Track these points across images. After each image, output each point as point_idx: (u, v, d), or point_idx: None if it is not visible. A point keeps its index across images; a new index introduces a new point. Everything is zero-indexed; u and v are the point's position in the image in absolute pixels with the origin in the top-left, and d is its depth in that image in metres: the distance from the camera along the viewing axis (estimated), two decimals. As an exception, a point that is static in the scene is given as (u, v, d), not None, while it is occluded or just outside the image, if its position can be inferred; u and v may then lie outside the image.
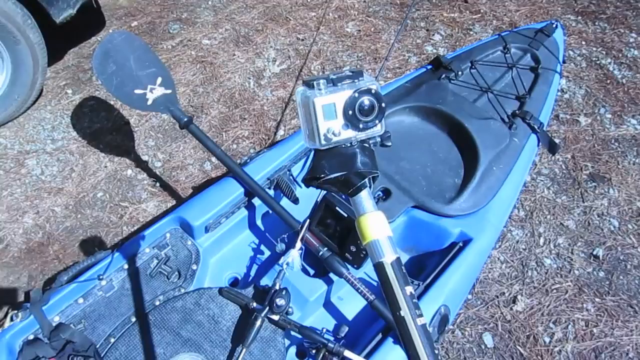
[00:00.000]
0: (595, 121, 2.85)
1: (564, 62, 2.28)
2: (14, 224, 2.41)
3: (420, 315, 0.72)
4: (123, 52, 1.95)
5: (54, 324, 1.48)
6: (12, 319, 1.48)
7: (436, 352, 0.72)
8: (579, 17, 3.50)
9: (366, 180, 0.80)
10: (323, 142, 0.78)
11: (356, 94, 0.76)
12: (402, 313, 0.73)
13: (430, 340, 0.72)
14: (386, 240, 0.76)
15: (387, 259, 0.75)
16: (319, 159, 0.81)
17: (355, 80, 0.79)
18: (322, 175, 0.81)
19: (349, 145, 0.80)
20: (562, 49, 2.26)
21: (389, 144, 0.88)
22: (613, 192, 2.52)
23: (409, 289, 0.74)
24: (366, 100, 0.77)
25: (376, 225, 0.77)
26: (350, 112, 0.77)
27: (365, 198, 0.80)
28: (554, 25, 2.30)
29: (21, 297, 2.18)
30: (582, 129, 2.81)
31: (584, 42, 3.32)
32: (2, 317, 2.07)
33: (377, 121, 0.79)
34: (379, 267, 0.76)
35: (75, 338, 1.46)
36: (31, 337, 1.44)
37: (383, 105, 0.79)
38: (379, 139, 0.84)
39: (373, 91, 0.77)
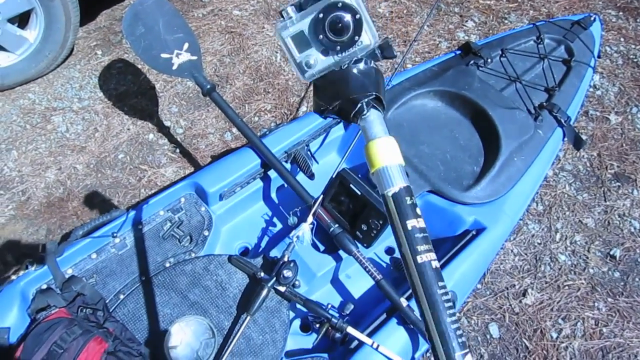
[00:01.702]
0: (626, 120, 2.77)
1: (599, 57, 2.21)
2: (37, 178, 2.47)
3: (429, 251, 0.67)
4: (153, 16, 1.96)
5: (66, 276, 1.51)
6: (26, 267, 1.52)
7: (445, 297, 0.66)
8: (621, 13, 3.38)
9: (362, 104, 0.74)
10: (306, 75, 0.74)
11: (320, 15, 0.69)
12: (406, 250, 0.68)
13: (436, 278, 0.66)
14: (396, 168, 0.70)
15: (395, 188, 0.69)
16: (316, 91, 0.79)
17: None
18: (322, 109, 0.78)
19: (338, 70, 0.74)
20: (598, 44, 2.19)
21: (393, 54, 0.79)
22: (637, 194, 2.46)
23: (420, 222, 0.69)
24: (334, 17, 0.69)
25: (384, 151, 0.71)
26: (321, 36, 0.70)
27: (372, 122, 0.75)
28: (592, 19, 2.23)
29: (38, 250, 2.24)
30: (611, 127, 2.74)
31: (622, 39, 3.21)
32: (19, 267, 2.13)
33: (357, 37, 0.71)
34: (386, 199, 0.70)
35: (86, 291, 1.50)
36: (44, 286, 1.48)
37: (358, 16, 0.70)
38: (378, 52, 0.76)
39: (340, 4, 0.69)
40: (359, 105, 0.74)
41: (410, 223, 0.68)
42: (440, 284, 0.66)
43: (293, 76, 2.95)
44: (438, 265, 0.67)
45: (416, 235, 0.68)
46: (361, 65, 0.76)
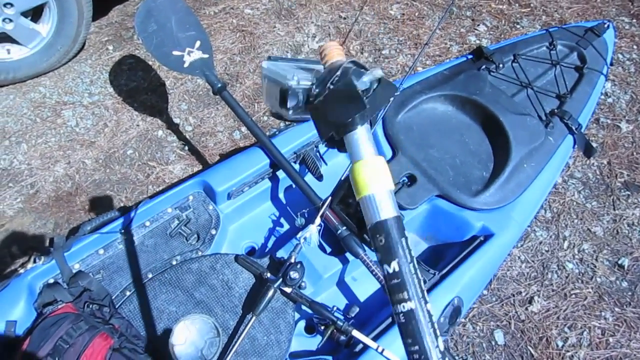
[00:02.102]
0: (637, 129, 2.75)
1: (611, 64, 2.19)
2: (46, 172, 2.48)
3: (409, 300, 0.63)
4: (165, 13, 1.96)
5: (73, 271, 1.52)
6: (34, 261, 1.52)
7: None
8: (634, 20, 3.36)
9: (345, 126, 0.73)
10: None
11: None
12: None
13: (420, 329, 0.62)
14: (385, 195, 0.66)
15: (382, 216, 0.65)
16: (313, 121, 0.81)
17: None
18: (323, 137, 0.79)
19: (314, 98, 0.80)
20: (611, 51, 2.17)
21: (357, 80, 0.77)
22: (647, 203, 2.45)
23: (407, 261, 0.64)
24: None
25: (371, 175, 0.68)
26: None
27: (357, 140, 0.72)
28: (606, 26, 2.21)
29: (46, 243, 2.25)
30: (622, 135, 2.72)
31: (635, 46, 3.19)
32: (26, 260, 2.14)
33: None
34: (372, 230, 0.66)
35: (92, 286, 1.50)
36: (51, 280, 1.49)
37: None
38: (352, 72, 0.77)
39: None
40: (340, 128, 0.74)
41: (394, 263, 0.64)
42: (428, 330, 0.62)
43: (303, 76, 2.95)
44: (424, 312, 0.63)
45: (401, 279, 0.64)
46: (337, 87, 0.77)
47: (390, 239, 0.66)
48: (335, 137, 0.75)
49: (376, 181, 0.67)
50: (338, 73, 0.77)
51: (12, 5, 2.49)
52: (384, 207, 0.66)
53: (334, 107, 0.76)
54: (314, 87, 0.81)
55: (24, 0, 2.53)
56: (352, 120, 0.73)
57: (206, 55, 1.91)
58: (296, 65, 0.92)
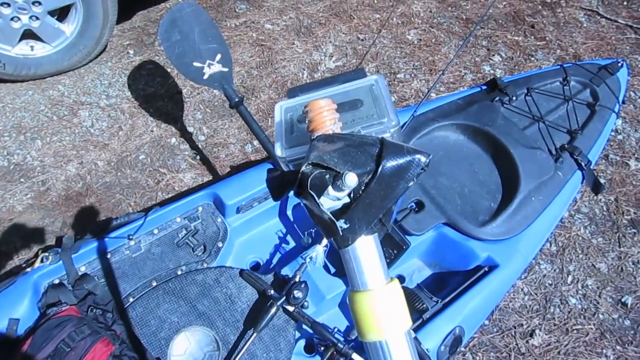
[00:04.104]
0: (646, 168, 2.76)
1: (623, 102, 2.21)
2: (58, 170, 2.51)
3: None
4: (189, 24, 2.00)
5: (79, 273, 1.53)
6: (42, 261, 1.54)
7: None
8: (648, 59, 3.38)
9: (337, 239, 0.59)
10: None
11: None
12: None
13: None
14: (401, 343, 0.52)
15: None
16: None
17: None
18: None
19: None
20: (623, 90, 2.19)
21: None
22: (652, 243, 2.45)
23: None
24: None
25: (382, 315, 0.52)
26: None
27: (354, 260, 0.56)
28: (620, 64, 2.23)
29: (52, 241, 2.27)
30: (630, 173, 2.73)
31: (648, 86, 3.21)
32: (31, 257, 2.16)
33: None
34: None
35: (97, 290, 1.51)
36: (56, 281, 1.50)
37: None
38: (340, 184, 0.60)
39: None
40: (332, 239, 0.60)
41: None
42: None
43: (318, 94, 2.98)
44: None
45: None
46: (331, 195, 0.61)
47: None
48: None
49: (389, 323, 0.53)
50: (302, 178, 0.61)
51: (40, 3, 2.55)
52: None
53: (311, 215, 0.62)
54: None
55: (52, 0, 2.58)
56: (336, 239, 0.58)
57: (226, 69, 1.94)
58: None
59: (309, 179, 0.58)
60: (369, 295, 0.53)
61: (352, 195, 0.57)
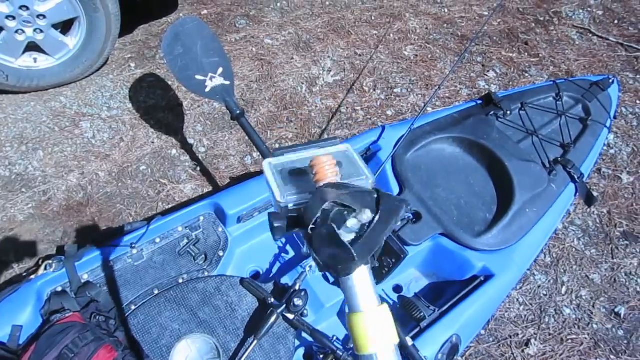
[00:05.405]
0: (638, 180, 2.81)
1: (614, 117, 2.26)
2: (59, 180, 2.54)
3: None
4: (192, 38, 2.04)
5: (82, 281, 1.55)
6: (45, 268, 1.56)
7: None
8: (638, 76, 3.45)
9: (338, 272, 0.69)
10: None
11: None
12: None
13: None
14: (389, 355, 0.63)
15: None
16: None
17: None
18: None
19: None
20: (615, 105, 2.25)
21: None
22: (644, 255, 2.49)
23: None
24: None
25: (373, 331, 0.64)
26: None
27: (353, 288, 0.68)
28: (611, 81, 2.29)
29: (52, 251, 2.29)
30: (622, 186, 2.78)
31: (638, 101, 3.27)
32: (32, 266, 2.17)
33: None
34: None
35: (100, 298, 1.53)
36: (59, 289, 1.52)
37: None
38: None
39: None
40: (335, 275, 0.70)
41: None
42: None
43: (316, 108, 3.03)
44: None
45: None
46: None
47: None
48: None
49: (378, 339, 0.63)
50: (318, 214, 0.71)
51: (44, 17, 2.60)
52: None
53: (319, 249, 0.70)
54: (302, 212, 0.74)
55: (57, 13, 2.63)
56: (342, 267, 0.68)
57: (227, 82, 1.98)
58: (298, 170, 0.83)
59: (331, 214, 0.70)
60: (362, 315, 0.65)
61: (358, 232, 0.69)
